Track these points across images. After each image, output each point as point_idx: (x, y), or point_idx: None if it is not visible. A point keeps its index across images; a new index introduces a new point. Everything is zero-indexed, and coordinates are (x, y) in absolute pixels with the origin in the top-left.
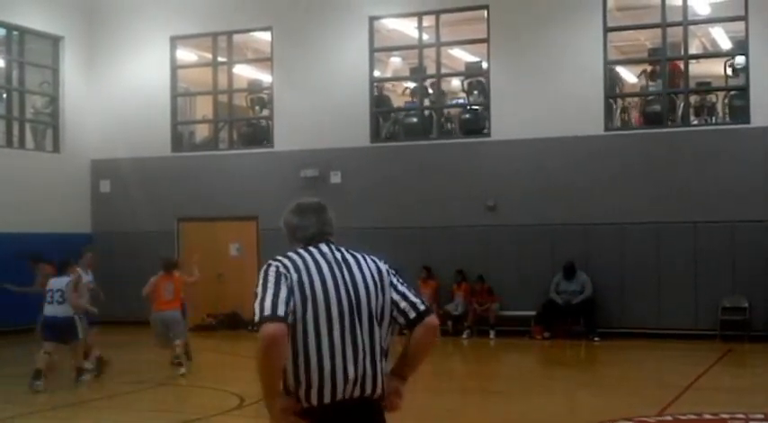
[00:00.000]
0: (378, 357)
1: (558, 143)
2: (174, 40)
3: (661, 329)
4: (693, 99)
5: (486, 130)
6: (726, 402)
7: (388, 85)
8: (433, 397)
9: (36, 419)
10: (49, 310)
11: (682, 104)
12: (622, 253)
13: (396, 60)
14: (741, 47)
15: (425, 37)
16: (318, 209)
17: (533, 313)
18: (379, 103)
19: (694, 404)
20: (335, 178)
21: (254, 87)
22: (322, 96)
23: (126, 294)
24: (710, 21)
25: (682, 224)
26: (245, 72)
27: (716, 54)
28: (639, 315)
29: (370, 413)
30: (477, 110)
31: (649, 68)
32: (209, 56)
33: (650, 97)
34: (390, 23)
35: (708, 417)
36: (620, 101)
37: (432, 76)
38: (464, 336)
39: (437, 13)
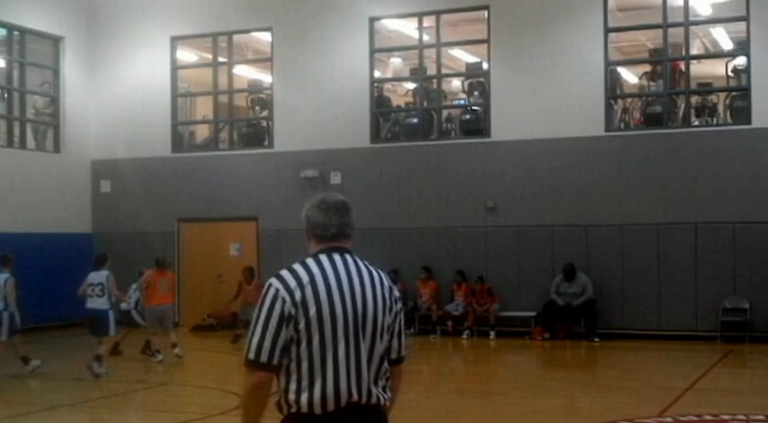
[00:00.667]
0: (380, 370)
1: (559, 144)
2: (175, 41)
3: (661, 330)
4: (694, 100)
5: (486, 131)
6: (726, 404)
7: (388, 85)
8: (433, 397)
9: (35, 419)
10: (88, 303)
11: (683, 105)
12: (623, 254)
13: (396, 61)
14: (742, 47)
15: (426, 37)
16: (342, 208)
17: (533, 314)
18: (380, 104)
19: (695, 405)
20: (335, 179)
21: (254, 88)
22: (322, 97)
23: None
24: (712, 21)
25: (682, 225)
26: (245, 72)
27: (717, 55)
28: (640, 316)
29: (373, 420)
30: (477, 110)
31: (650, 69)
32: (210, 56)
33: (651, 98)
34: (391, 24)
35: (708, 418)
36: (620, 102)
37: (432, 77)
38: (464, 336)
39: (437, 13)
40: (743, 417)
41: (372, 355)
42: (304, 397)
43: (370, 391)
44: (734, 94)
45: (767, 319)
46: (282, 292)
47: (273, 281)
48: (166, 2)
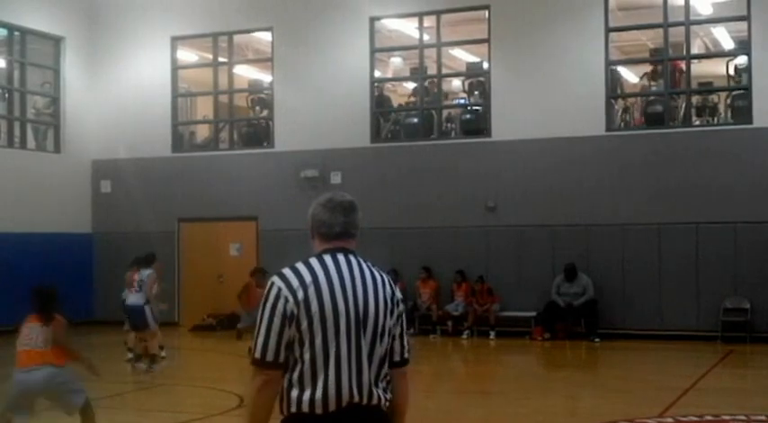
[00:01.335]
0: (380, 371)
1: (559, 144)
2: (175, 41)
3: (662, 331)
4: (695, 99)
5: (486, 131)
6: (727, 404)
7: (388, 85)
8: (433, 397)
9: (35, 420)
10: (129, 299)
11: (683, 105)
12: (623, 254)
13: (396, 61)
14: (743, 47)
15: (426, 37)
16: (349, 208)
17: (534, 314)
18: (380, 104)
19: (696, 406)
20: (336, 178)
21: (254, 88)
22: (322, 97)
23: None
24: (712, 21)
25: (683, 225)
26: (245, 72)
27: (718, 54)
28: (640, 316)
29: (373, 421)
30: (477, 110)
31: (651, 69)
32: (210, 56)
33: (652, 98)
34: (391, 24)
35: (709, 418)
36: (621, 101)
37: (432, 77)
38: (464, 336)
39: (438, 13)
40: (744, 417)
41: (373, 356)
42: (305, 397)
43: (371, 392)
44: (735, 93)
45: None
46: (285, 292)
47: (276, 280)
48: (167, 2)
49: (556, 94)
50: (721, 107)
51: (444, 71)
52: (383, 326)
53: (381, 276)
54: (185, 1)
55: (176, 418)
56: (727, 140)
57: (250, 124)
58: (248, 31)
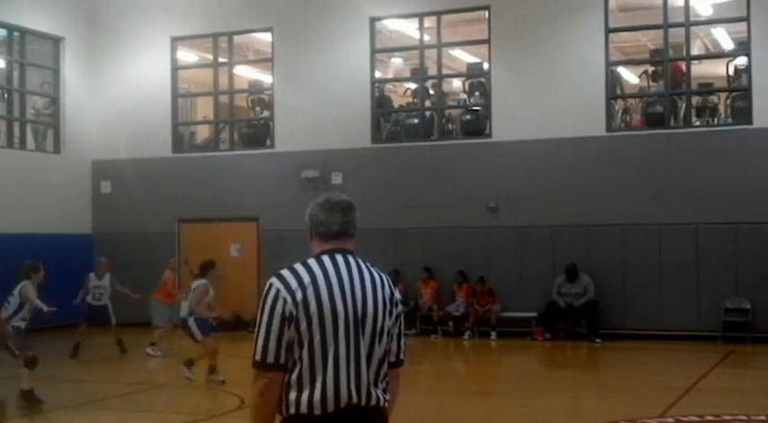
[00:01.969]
0: (379, 372)
1: (560, 144)
2: (175, 41)
3: (663, 331)
4: (695, 100)
5: (487, 131)
6: (728, 404)
7: (389, 85)
8: (434, 398)
9: (35, 420)
10: (182, 308)
11: (684, 105)
12: (624, 254)
13: (397, 61)
14: (743, 48)
15: (426, 38)
16: (346, 208)
17: (535, 314)
18: (381, 104)
19: (696, 406)
20: (336, 179)
21: (254, 88)
22: (323, 97)
23: (126, 295)
24: (712, 22)
25: (684, 226)
26: (245, 73)
27: (718, 55)
28: (641, 316)
29: (372, 421)
30: (478, 111)
31: (651, 69)
32: (210, 57)
33: (652, 98)
34: (391, 24)
35: (710, 419)
36: (621, 102)
37: (433, 77)
38: (465, 337)
39: (438, 13)
40: (744, 417)
41: (372, 356)
42: (304, 398)
43: (369, 393)
44: (735, 94)
45: None
46: (283, 293)
47: (274, 281)
48: (167, 2)
49: (556, 94)
50: (721, 108)
51: (445, 72)
52: (382, 326)
53: (380, 277)
54: (185, 1)
55: (177, 419)
56: (728, 141)
57: (250, 125)
58: (248, 32)
